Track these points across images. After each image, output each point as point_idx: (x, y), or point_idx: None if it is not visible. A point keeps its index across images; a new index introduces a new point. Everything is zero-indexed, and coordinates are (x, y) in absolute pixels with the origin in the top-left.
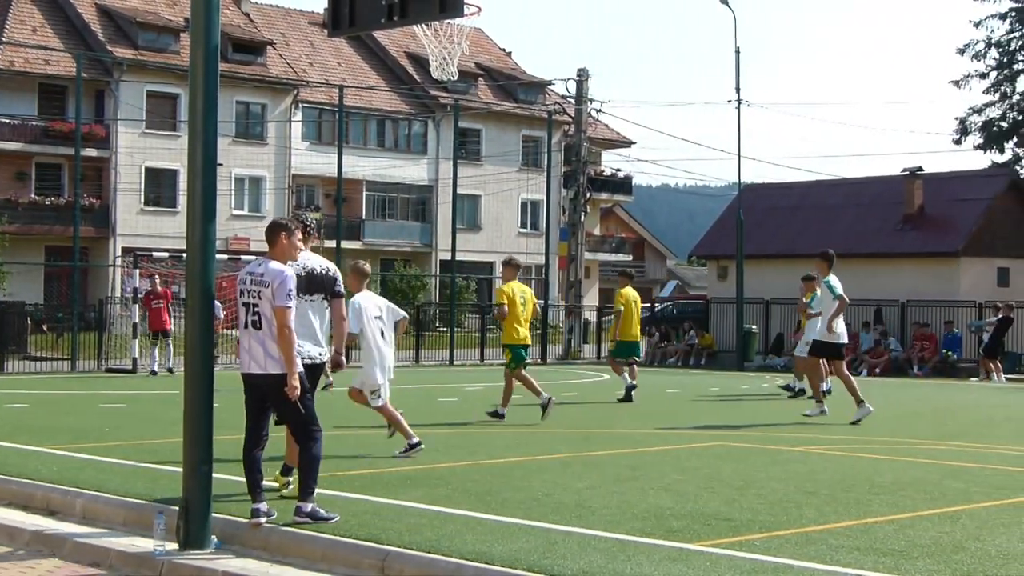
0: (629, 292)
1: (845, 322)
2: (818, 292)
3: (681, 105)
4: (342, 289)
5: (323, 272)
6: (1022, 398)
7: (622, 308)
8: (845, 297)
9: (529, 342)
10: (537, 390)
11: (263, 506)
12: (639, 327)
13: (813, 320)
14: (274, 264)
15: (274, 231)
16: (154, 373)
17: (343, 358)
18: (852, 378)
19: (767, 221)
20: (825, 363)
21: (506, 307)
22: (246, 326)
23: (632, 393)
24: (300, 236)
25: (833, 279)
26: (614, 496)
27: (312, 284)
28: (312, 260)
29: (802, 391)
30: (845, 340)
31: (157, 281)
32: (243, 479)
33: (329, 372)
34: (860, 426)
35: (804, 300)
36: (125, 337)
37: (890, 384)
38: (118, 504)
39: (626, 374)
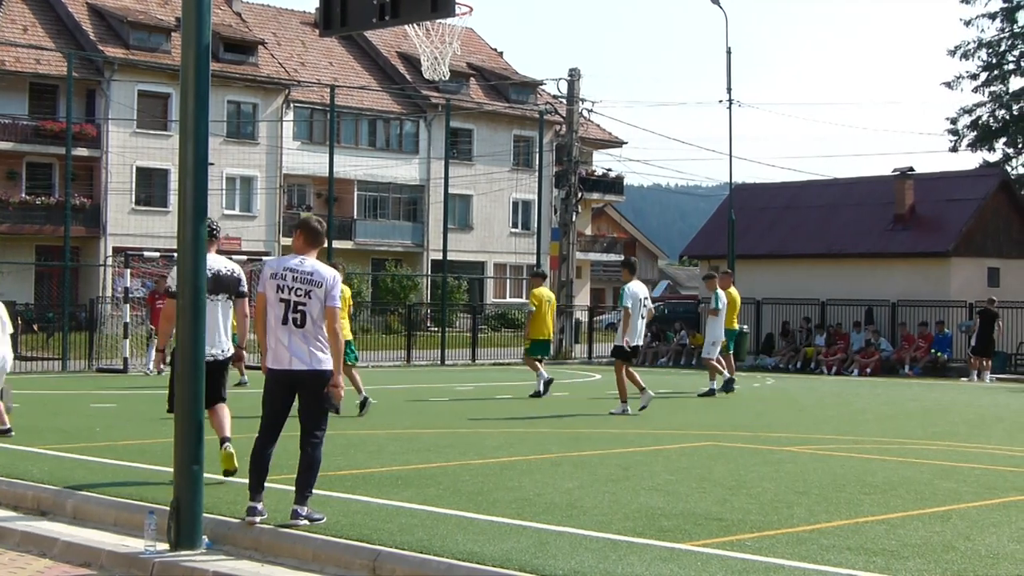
0: (543, 291)
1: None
2: (719, 292)
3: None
4: (245, 289)
5: (228, 273)
6: (1012, 398)
7: (535, 307)
8: (628, 310)
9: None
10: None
11: (260, 505)
12: (552, 326)
13: (714, 319)
14: (320, 264)
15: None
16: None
17: (245, 352)
18: (634, 373)
19: (758, 221)
20: (724, 359)
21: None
22: (285, 322)
23: (548, 387)
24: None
25: (627, 288)
26: (605, 496)
27: (218, 285)
28: (218, 262)
29: (712, 391)
30: (637, 342)
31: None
32: (234, 479)
33: (243, 369)
34: (851, 426)
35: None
36: (116, 337)
37: (880, 384)
38: (109, 504)
39: (542, 370)
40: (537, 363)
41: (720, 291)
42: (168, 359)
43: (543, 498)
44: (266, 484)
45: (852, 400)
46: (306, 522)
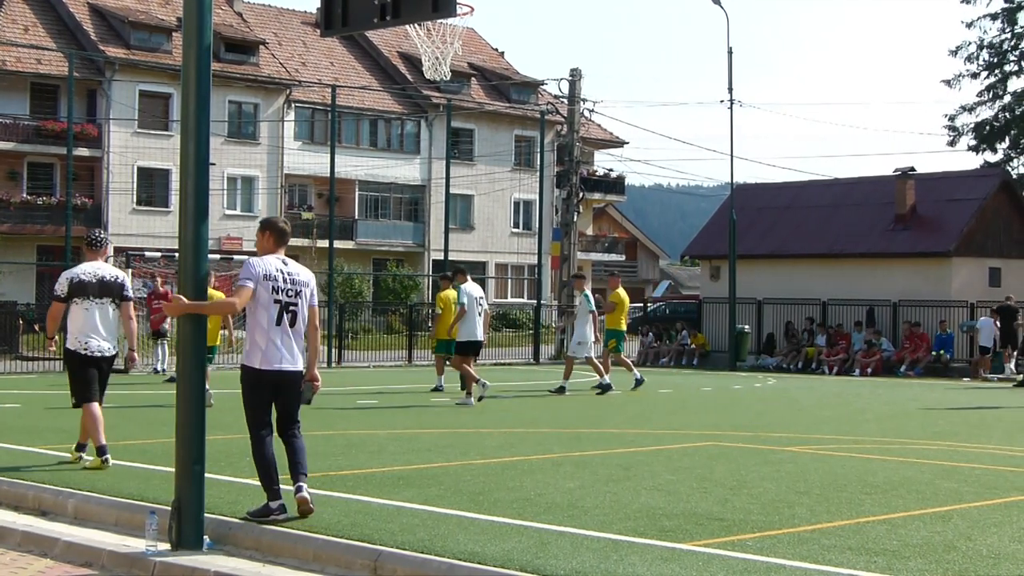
0: (449, 294)
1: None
2: (587, 292)
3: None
4: (130, 294)
5: (112, 279)
6: (1013, 398)
7: (441, 309)
8: (464, 307)
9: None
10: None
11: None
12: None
13: (581, 319)
14: (298, 264)
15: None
16: (156, 371)
17: (135, 354)
18: (470, 370)
19: (759, 221)
20: (603, 359)
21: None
22: (279, 323)
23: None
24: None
25: (463, 288)
26: (606, 496)
27: (103, 290)
28: (103, 269)
29: (609, 386)
30: (477, 339)
31: (159, 282)
32: (235, 479)
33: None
34: (852, 426)
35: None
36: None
37: (882, 384)
38: (110, 504)
39: (441, 378)
40: (444, 362)
41: (588, 292)
42: (61, 355)
43: (544, 498)
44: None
45: (853, 400)
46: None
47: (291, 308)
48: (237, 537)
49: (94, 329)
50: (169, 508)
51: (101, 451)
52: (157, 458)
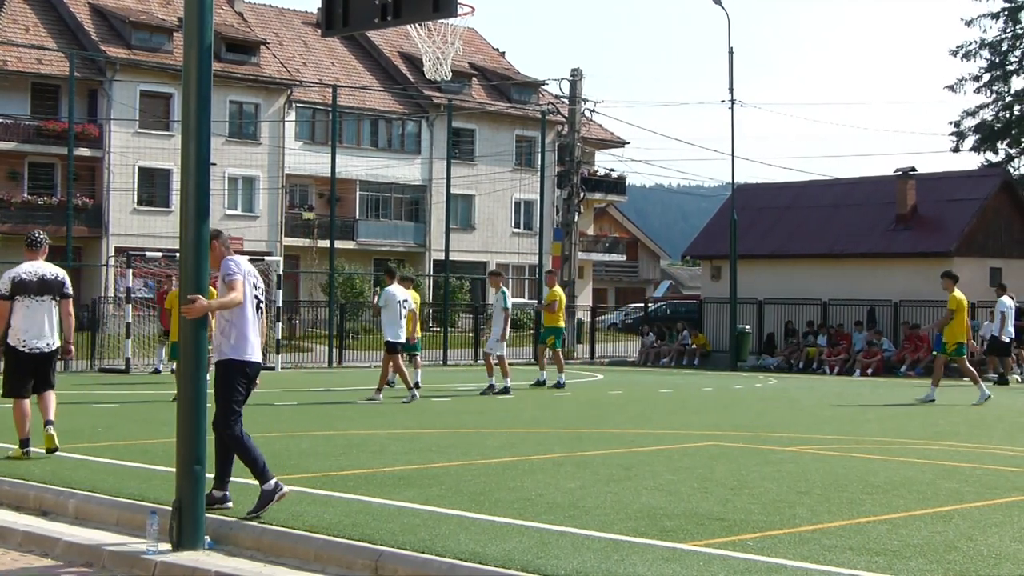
0: (413, 295)
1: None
2: (504, 291)
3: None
4: (70, 291)
5: (52, 277)
6: (1013, 398)
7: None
8: (380, 308)
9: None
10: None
11: (274, 481)
12: (411, 325)
13: (498, 317)
14: None
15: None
16: (157, 371)
17: (72, 347)
18: (403, 368)
19: (760, 221)
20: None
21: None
22: (256, 317)
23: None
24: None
25: (387, 291)
26: (607, 496)
27: (43, 287)
28: (43, 267)
29: (492, 388)
30: (401, 339)
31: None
32: (235, 479)
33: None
34: (852, 426)
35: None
36: (118, 337)
37: (882, 384)
38: (111, 504)
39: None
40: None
41: (505, 290)
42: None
43: (545, 498)
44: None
45: (853, 400)
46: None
47: (260, 305)
48: (238, 537)
49: (34, 326)
50: (170, 508)
51: (24, 443)
52: (158, 458)
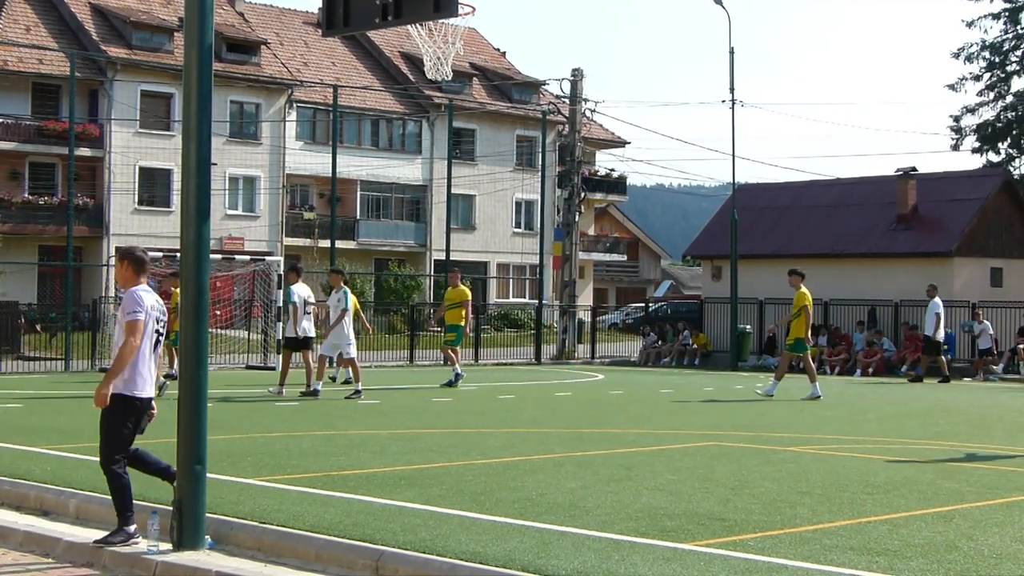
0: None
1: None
2: (346, 289)
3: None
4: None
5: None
6: (1014, 398)
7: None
8: (295, 306)
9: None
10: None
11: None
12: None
13: (336, 317)
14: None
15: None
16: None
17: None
18: (317, 365)
19: (761, 221)
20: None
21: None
22: (154, 352)
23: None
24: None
25: (293, 289)
26: (608, 496)
27: None
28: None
29: (347, 381)
30: (311, 334)
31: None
32: (236, 479)
33: None
34: (853, 426)
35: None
36: None
37: (883, 384)
38: (112, 504)
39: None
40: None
41: (347, 289)
42: None
43: (546, 498)
44: (266, 483)
45: (854, 400)
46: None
47: (159, 338)
48: (239, 537)
49: None
50: (171, 508)
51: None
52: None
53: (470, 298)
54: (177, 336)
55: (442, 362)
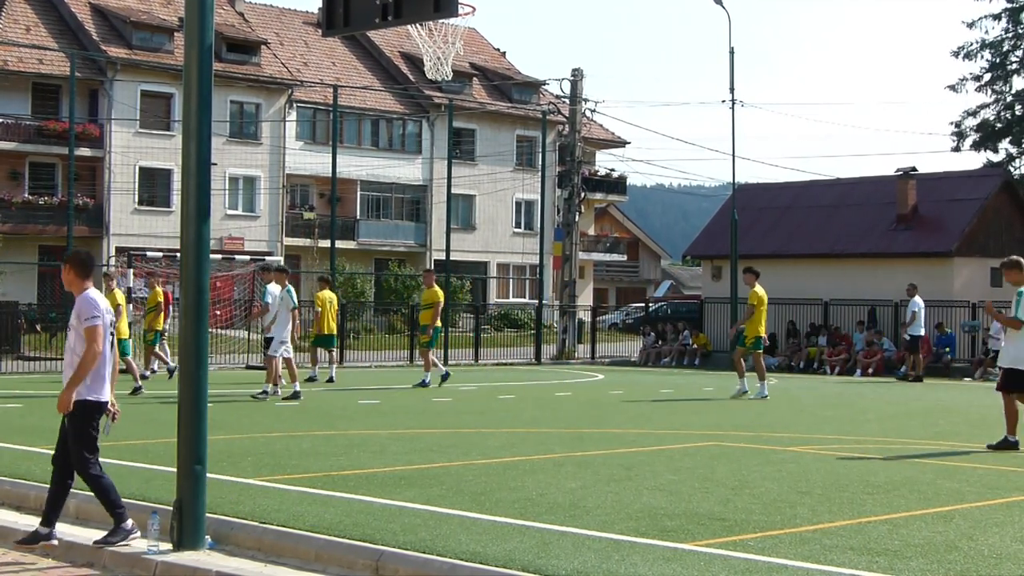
0: (326, 294)
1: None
2: (290, 287)
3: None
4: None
5: None
6: None
7: (320, 308)
8: (268, 306)
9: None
10: None
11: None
12: (335, 323)
13: (284, 316)
14: None
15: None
16: (153, 371)
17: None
18: (279, 365)
19: (761, 221)
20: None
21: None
22: (111, 352)
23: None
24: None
25: (268, 288)
26: (608, 496)
27: None
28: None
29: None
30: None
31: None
32: (236, 479)
33: None
34: (853, 426)
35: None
36: None
37: (883, 384)
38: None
39: (326, 362)
40: (318, 353)
41: (291, 287)
42: None
43: (546, 498)
44: (266, 483)
45: (854, 400)
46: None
47: (113, 340)
48: (239, 537)
49: None
50: (171, 508)
51: None
52: (159, 458)
53: (442, 299)
54: (157, 336)
55: (442, 363)
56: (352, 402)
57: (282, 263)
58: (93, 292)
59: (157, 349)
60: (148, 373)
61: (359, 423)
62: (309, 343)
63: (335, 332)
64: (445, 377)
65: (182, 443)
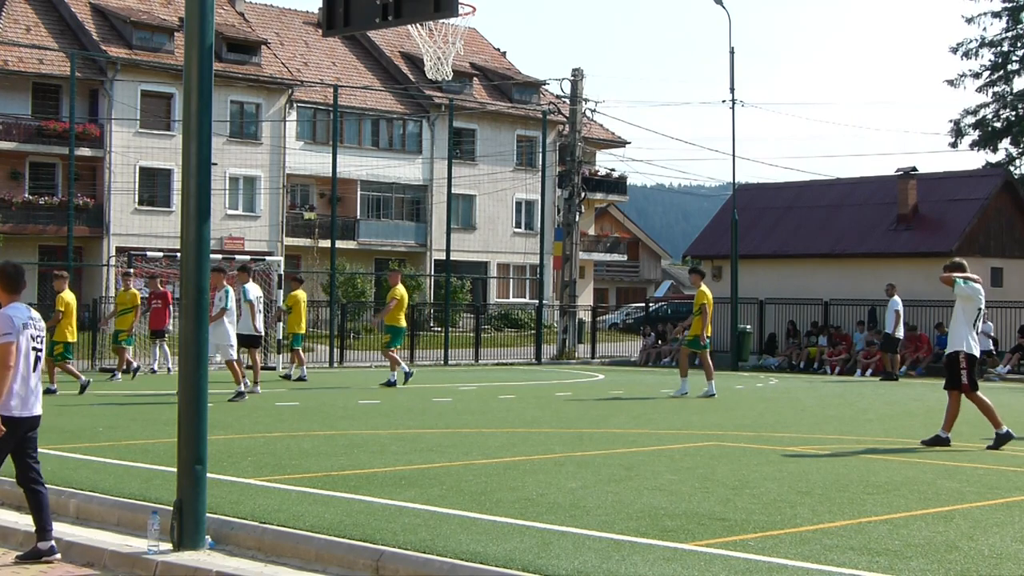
0: (300, 294)
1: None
2: (229, 289)
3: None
4: None
5: None
6: (1013, 398)
7: (291, 307)
8: (253, 304)
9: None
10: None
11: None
12: (304, 323)
13: (246, 315)
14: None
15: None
16: (153, 371)
17: None
18: (258, 364)
19: (761, 221)
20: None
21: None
22: (35, 370)
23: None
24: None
25: (246, 288)
26: (608, 496)
27: None
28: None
29: (241, 395)
30: (260, 332)
31: (158, 282)
32: (237, 479)
33: None
34: (853, 426)
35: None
36: None
37: (883, 384)
38: (112, 504)
39: (300, 364)
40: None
41: (229, 288)
42: None
43: (546, 498)
44: (260, 483)
45: (855, 400)
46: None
47: (39, 355)
48: (239, 537)
49: None
50: (171, 508)
51: None
52: (159, 458)
53: (404, 298)
54: (131, 338)
55: (442, 362)
56: (352, 402)
57: (220, 263)
58: (11, 308)
59: (157, 350)
60: (119, 374)
61: (360, 423)
62: (288, 343)
63: (303, 332)
64: (408, 376)
65: (182, 443)
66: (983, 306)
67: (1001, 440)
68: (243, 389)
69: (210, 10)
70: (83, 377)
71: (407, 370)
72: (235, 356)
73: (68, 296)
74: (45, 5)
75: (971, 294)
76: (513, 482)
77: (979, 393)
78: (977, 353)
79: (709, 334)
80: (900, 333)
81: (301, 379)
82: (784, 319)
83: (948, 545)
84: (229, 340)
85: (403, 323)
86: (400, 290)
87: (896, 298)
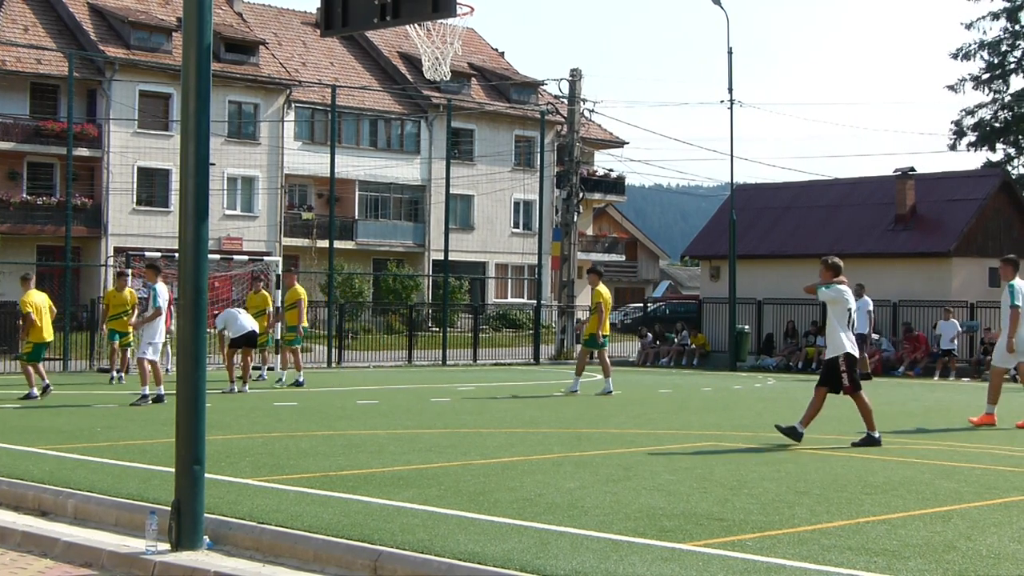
0: (300, 289)
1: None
2: (158, 287)
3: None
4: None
5: None
6: (1012, 398)
7: (294, 304)
8: (159, 310)
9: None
10: None
11: None
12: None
13: (153, 320)
14: None
15: None
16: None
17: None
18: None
19: (759, 221)
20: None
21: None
22: None
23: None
24: None
25: (157, 289)
26: (606, 496)
27: None
28: None
29: (149, 397)
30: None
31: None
32: (235, 479)
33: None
34: (852, 426)
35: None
36: None
37: (881, 384)
38: (110, 504)
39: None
40: (297, 354)
41: (156, 287)
42: None
43: (544, 498)
44: (258, 483)
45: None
46: None
47: None
48: (237, 537)
49: None
50: (169, 508)
51: None
52: (157, 458)
53: (305, 298)
54: (119, 335)
55: (440, 363)
56: (351, 402)
57: (156, 260)
58: None
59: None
60: (116, 373)
61: (358, 423)
62: (284, 343)
63: (303, 329)
64: (299, 384)
65: (180, 443)
66: (853, 306)
67: (868, 441)
68: (147, 392)
69: (208, 10)
70: (46, 380)
71: (300, 379)
72: (154, 356)
73: (32, 297)
74: (43, 5)
75: (835, 297)
76: (511, 482)
77: (862, 393)
78: (856, 353)
79: (606, 332)
80: (865, 331)
81: (297, 383)
82: (782, 319)
83: (946, 545)
84: (152, 339)
85: (306, 322)
86: (300, 290)
87: (866, 298)
